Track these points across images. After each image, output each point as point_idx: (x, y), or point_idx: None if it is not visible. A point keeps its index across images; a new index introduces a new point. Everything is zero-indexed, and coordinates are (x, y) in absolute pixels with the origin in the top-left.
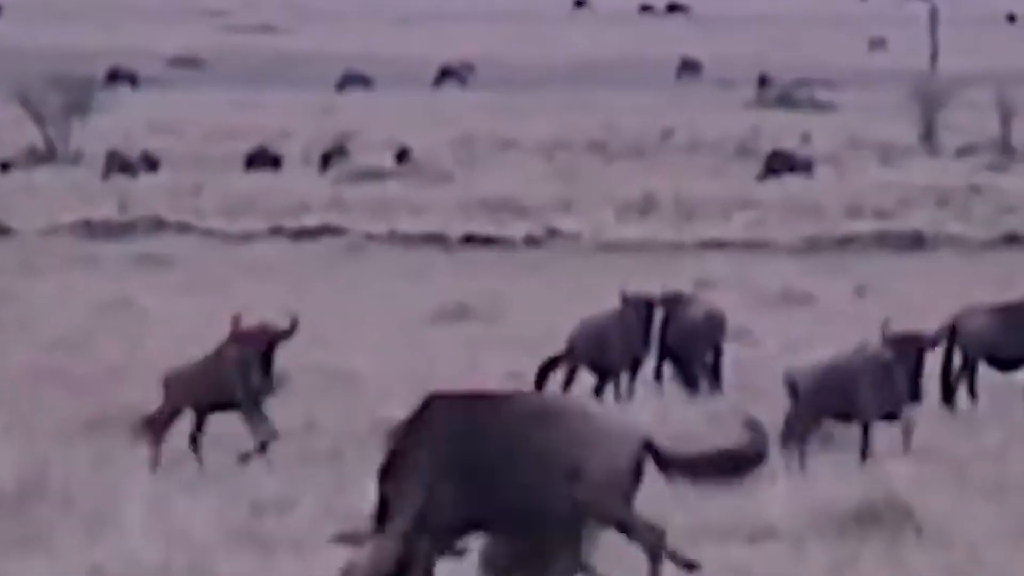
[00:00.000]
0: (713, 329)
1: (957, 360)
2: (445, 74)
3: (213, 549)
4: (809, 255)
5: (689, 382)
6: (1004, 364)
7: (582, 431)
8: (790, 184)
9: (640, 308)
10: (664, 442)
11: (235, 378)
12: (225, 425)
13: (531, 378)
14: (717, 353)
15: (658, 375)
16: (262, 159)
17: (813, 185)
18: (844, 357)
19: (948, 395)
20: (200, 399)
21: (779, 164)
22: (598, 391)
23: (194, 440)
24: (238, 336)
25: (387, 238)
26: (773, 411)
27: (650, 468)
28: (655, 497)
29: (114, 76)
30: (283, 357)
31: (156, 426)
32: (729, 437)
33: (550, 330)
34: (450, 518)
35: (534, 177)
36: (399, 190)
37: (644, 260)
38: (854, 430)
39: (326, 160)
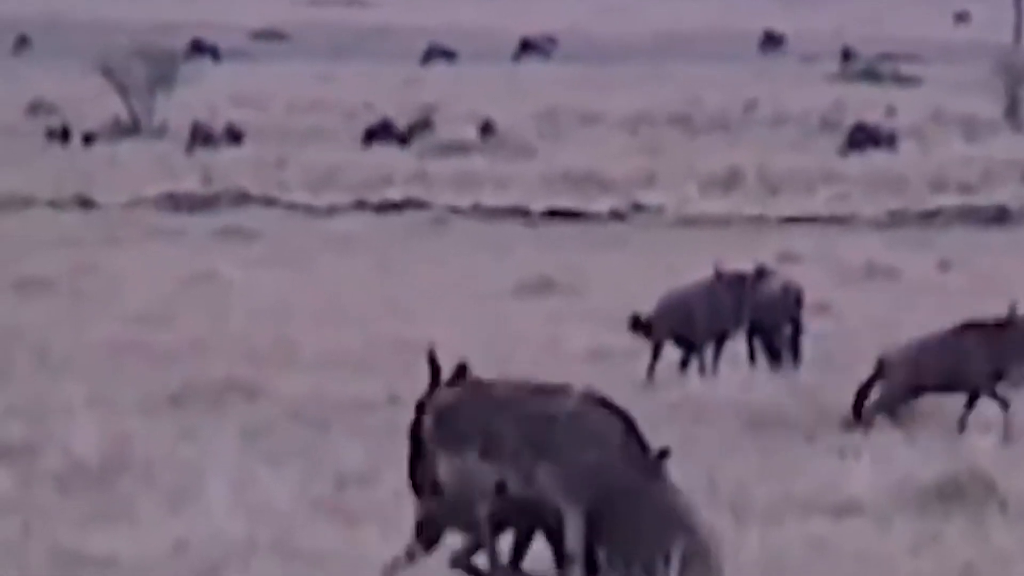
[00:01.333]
0: (791, 303)
1: None
2: (526, 47)
3: (297, 522)
4: (893, 229)
5: (773, 356)
6: None
7: None
8: (874, 158)
9: (731, 283)
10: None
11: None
12: (305, 397)
13: (614, 352)
14: (796, 327)
15: (751, 351)
16: (383, 133)
17: (897, 159)
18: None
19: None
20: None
21: (862, 138)
22: (683, 364)
23: None
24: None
25: (470, 212)
26: (853, 383)
27: (740, 442)
28: (739, 470)
29: (196, 48)
30: (364, 331)
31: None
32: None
33: (633, 304)
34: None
35: (617, 151)
36: (482, 164)
37: (728, 234)
38: (935, 405)
39: (411, 133)
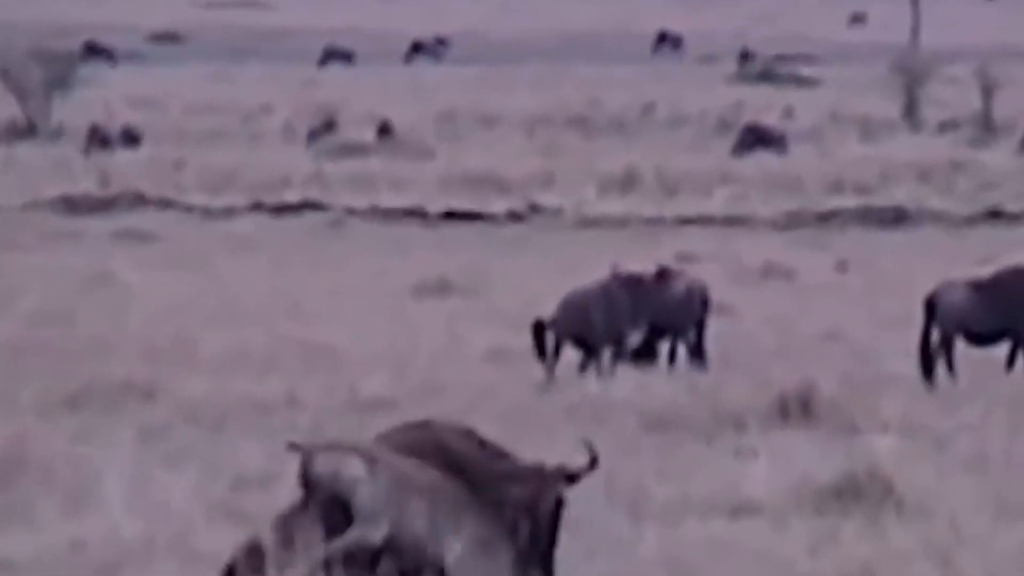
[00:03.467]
0: (695, 303)
1: (935, 335)
2: (417, 49)
3: (194, 524)
4: (790, 230)
5: (672, 357)
6: (981, 339)
7: None
8: (771, 159)
9: (629, 284)
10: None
11: None
12: (203, 398)
13: (513, 352)
14: (700, 328)
15: (650, 352)
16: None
17: (794, 160)
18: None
19: (928, 370)
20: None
21: (753, 139)
22: (583, 367)
23: None
24: None
25: (368, 213)
26: (753, 385)
27: (638, 443)
28: (638, 471)
29: (92, 51)
30: (263, 332)
31: None
32: None
33: (532, 305)
34: None
35: (516, 152)
36: (380, 165)
37: (626, 235)
38: (833, 403)
39: (314, 136)
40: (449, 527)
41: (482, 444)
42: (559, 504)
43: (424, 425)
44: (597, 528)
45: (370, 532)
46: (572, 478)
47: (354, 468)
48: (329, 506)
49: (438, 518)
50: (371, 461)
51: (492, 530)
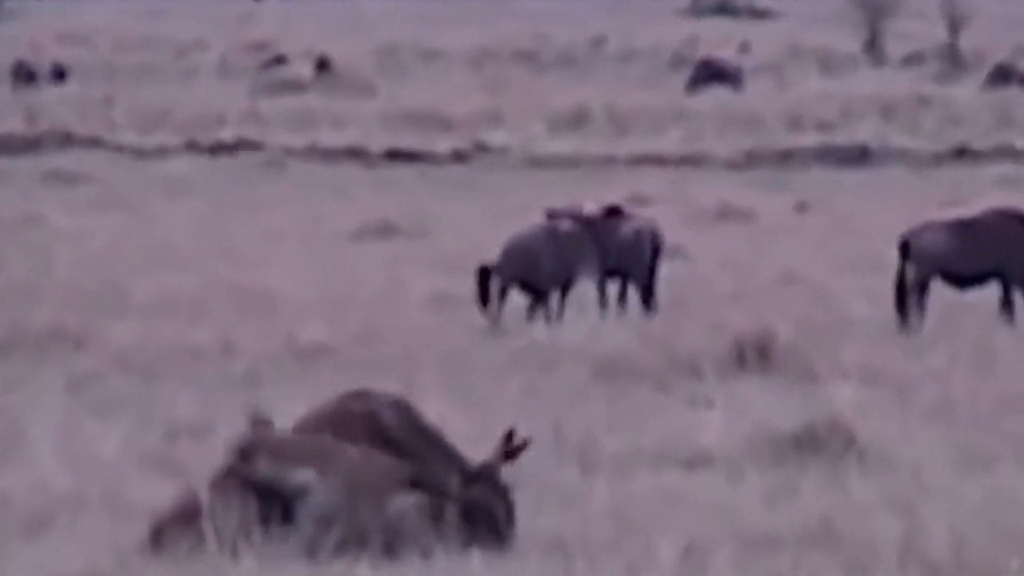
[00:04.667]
0: (645, 245)
1: (910, 277)
2: None
3: (126, 475)
4: (748, 170)
5: (621, 300)
6: (960, 280)
7: None
8: (727, 96)
9: (579, 225)
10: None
11: None
12: (134, 345)
13: (457, 298)
14: (652, 271)
15: (601, 296)
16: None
17: (751, 97)
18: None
19: (903, 314)
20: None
21: (707, 74)
22: (530, 310)
23: None
24: None
25: (307, 152)
26: (708, 331)
27: (588, 391)
28: (587, 421)
29: None
30: (197, 277)
31: None
32: None
33: (477, 248)
34: None
35: (460, 89)
36: (319, 102)
37: (576, 175)
38: (790, 349)
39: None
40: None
41: (417, 424)
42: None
43: (359, 396)
44: (545, 480)
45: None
46: (510, 455)
47: (302, 476)
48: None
49: (385, 508)
50: (322, 468)
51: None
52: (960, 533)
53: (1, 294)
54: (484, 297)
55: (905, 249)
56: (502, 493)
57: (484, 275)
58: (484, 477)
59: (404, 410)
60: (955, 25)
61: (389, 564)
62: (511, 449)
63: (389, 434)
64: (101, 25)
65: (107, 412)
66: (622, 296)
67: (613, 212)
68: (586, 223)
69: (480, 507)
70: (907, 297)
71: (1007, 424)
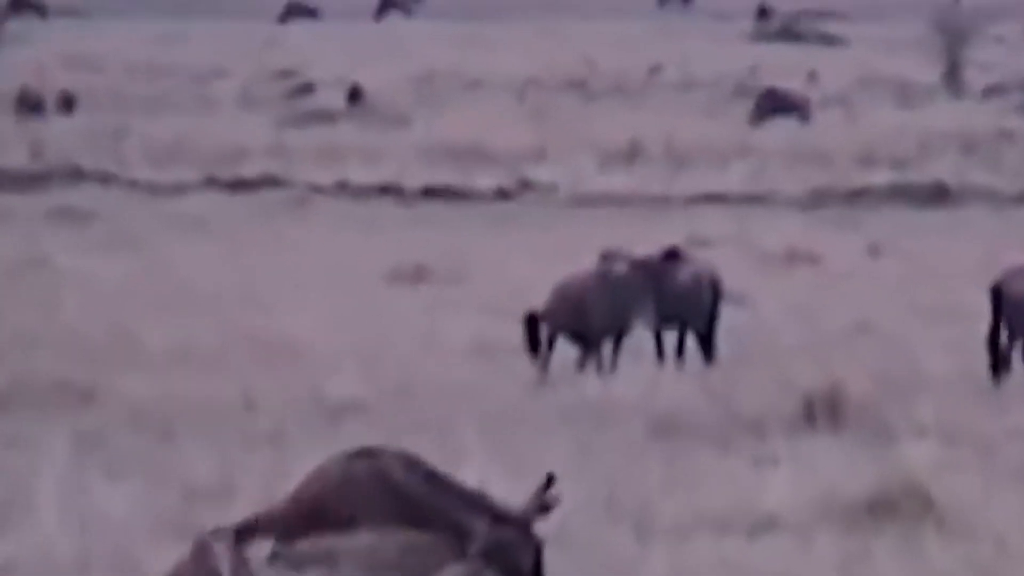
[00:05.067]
0: (705, 292)
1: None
2: (388, 3)
3: (137, 541)
4: (815, 209)
5: (680, 351)
6: None
7: None
8: (793, 129)
9: (635, 270)
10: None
11: None
12: (147, 400)
13: (500, 347)
14: (712, 320)
15: (658, 347)
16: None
17: (819, 130)
18: None
19: (996, 367)
20: None
21: (772, 105)
22: (581, 363)
23: None
24: None
25: (336, 189)
26: (774, 385)
27: (644, 450)
28: (643, 482)
29: (19, 3)
30: (216, 324)
31: None
32: None
33: (521, 293)
34: None
35: (503, 120)
36: (350, 134)
37: (629, 215)
38: (864, 405)
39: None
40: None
41: (430, 475)
42: (539, 551)
43: (367, 453)
44: (598, 547)
45: None
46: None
47: None
48: None
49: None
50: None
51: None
52: None
53: (2, 344)
54: (532, 346)
55: (997, 296)
56: (532, 544)
57: (532, 322)
58: (514, 522)
59: (414, 464)
60: None
61: None
62: (546, 501)
63: (402, 492)
64: (112, 50)
65: (117, 472)
66: (680, 347)
67: (670, 255)
68: (641, 267)
69: (504, 551)
70: (1002, 349)
71: None
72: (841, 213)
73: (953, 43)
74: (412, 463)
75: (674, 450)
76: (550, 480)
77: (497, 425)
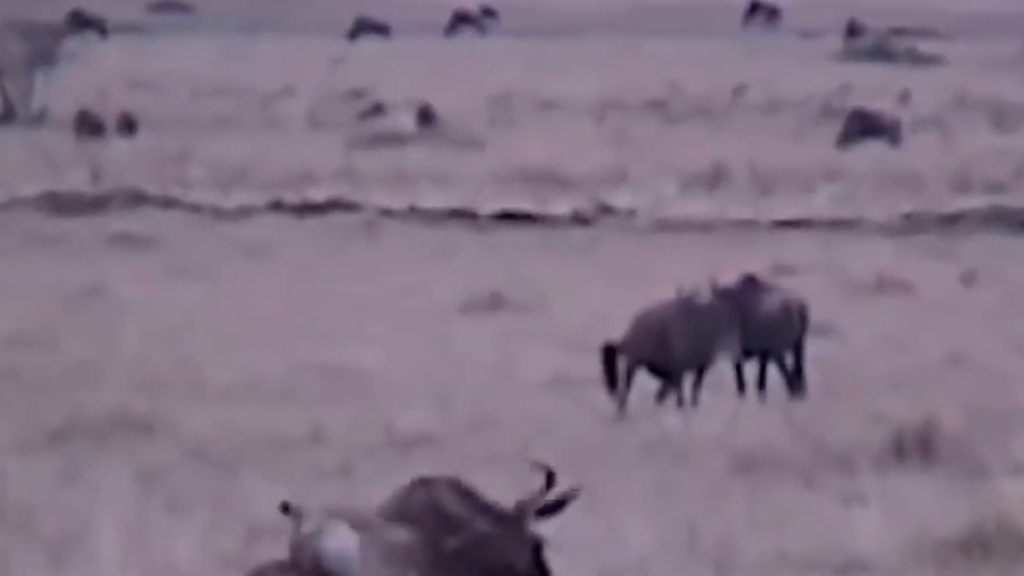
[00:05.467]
0: (792, 322)
1: None
2: (460, 20)
3: None
4: (907, 235)
5: (762, 384)
6: None
7: None
8: (884, 152)
9: (717, 299)
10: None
11: None
12: (210, 433)
13: (577, 380)
14: (798, 350)
15: (739, 380)
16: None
17: (911, 153)
18: None
19: None
20: None
21: (862, 127)
22: (661, 396)
23: None
24: None
25: (406, 214)
26: (863, 419)
27: (727, 487)
28: (726, 521)
29: (79, 21)
30: (282, 355)
31: None
32: None
33: (599, 323)
34: None
35: (581, 143)
36: (421, 158)
37: (712, 241)
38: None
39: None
40: None
41: (467, 495)
42: (537, 549)
43: (424, 484)
44: None
45: None
46: (546, 510)
47: (343, 541)
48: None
49: None
50: (363, 533)
51: None
52: None
53: (60, 376)
54: (610, 380)
55: None
56: (526, 542)
57: (610, 354)
58: (504, 519)
59: (460, 487)
60: None
61: None
62: (561, 497)
63: (453, 520)
64: (175, 68)
65: (180, 508)
66: (762, 378)
67: (755, 284)
68: (725, 296)
69: (488, 547)
70: None
71: None
72: (933, 239)
73: None
74: (459, 487)
75: (757, 487)
76: (551, 477)
77: (574, 460)
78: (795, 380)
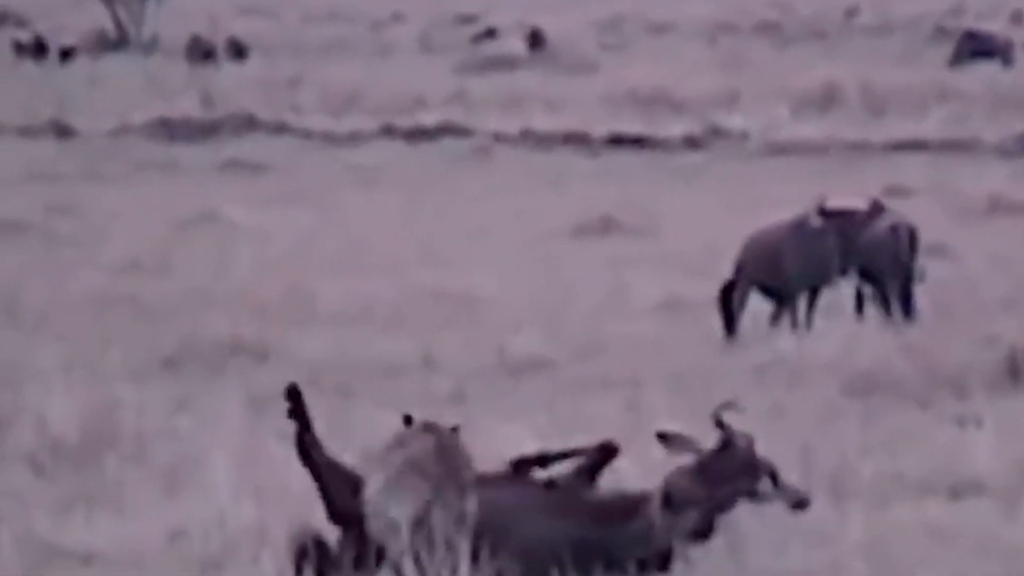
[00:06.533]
0: (902, 245)
1: None
2: None
3: (315, 509)
4: (1020, 157)
5: (883, 305)
6: None
7: None
8: (996, 72)
9: (834, 222)
10: None
11: None
12: (323, 359)
13: (690, 304)
14: (908, 274)
15: (859, 302)
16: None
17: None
18: None
19: None
20: None
21: (974, 48)
22: (775, 318)
23: None
24: None
25: (519, 138)
26: (977, 341)
27: (841, 410)
28: (840, 444)
29: None
30: (394, 281)
31: None
32: None
33: (711, 247)
34: None
35: (693, 66)
36: (532, 82)
37: (824, 164)
38: None
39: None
40: None
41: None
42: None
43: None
44: (792, 512)
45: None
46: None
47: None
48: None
49: None
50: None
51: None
52: None
53: (172, 302)
54: (728, 321)
55: None
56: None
57: (728, 293)
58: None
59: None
60: None
61: None
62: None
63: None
64: None
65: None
66: (885, 302)
67: (874, 208)
68: (839, 218)
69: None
70: None
71: None
72: None
73: None
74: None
75: (872, 410)
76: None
77: (686, 384)
78: (907, 304)
